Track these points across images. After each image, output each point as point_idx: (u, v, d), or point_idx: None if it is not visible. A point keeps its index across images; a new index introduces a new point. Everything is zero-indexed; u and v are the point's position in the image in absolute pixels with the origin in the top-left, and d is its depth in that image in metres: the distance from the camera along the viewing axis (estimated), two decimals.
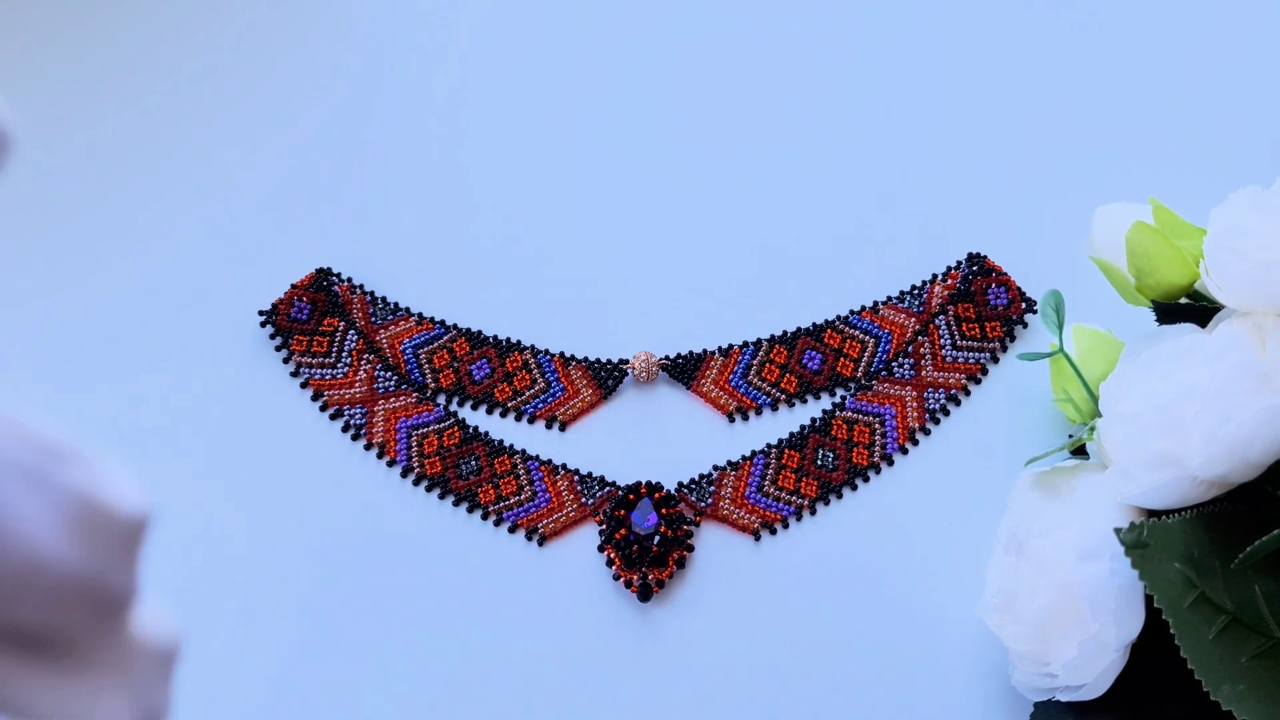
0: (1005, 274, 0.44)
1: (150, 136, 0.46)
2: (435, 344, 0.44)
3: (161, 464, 0.41)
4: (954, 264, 0.44)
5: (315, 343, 0.43)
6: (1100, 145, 0.46)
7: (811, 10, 0.49)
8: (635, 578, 0.40)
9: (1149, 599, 0.31)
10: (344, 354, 0.43)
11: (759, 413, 0.43)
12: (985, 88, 0.47)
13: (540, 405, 0.43)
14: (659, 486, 0.41)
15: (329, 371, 0.43)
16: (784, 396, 0.43)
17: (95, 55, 0.47)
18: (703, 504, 0.41)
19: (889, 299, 0.44)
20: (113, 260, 0.44)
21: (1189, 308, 0.36)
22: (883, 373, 0.43)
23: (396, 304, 0.44)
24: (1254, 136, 0.46)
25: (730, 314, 0.44)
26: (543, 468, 0.42)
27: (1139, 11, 0.48)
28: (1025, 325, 0.44)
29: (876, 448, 0.42)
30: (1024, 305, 0.44)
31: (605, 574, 0.40)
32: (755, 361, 0.44)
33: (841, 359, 0.44)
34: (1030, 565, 0.34)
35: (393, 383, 0.43)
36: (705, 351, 0.44)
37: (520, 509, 0.42)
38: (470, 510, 0.42)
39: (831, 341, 0.44)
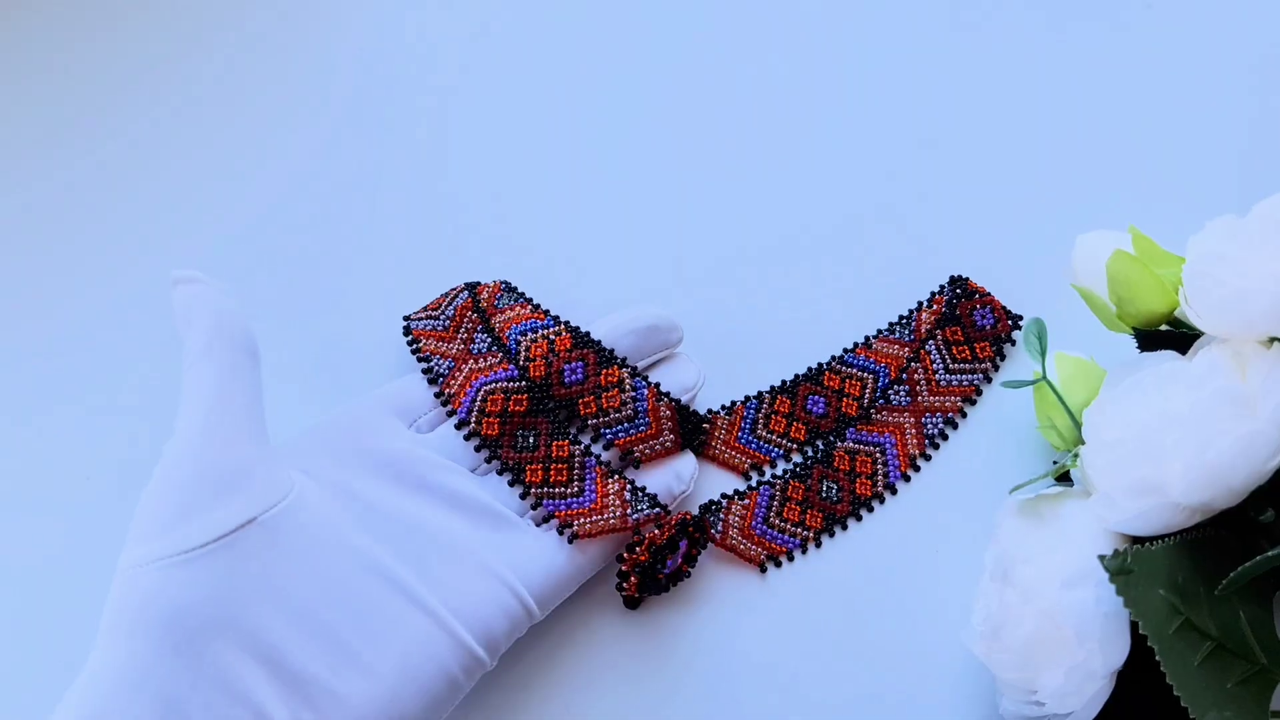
0: (989, 294, 0.44)
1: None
2: (538, 332, 0.41)
3: None
4: (937, 289, 0.45)
5: (434, 304, 0.43)
6: (1080, 175, 0.46)
7: (791, 45, 0.50)
8: (634, 591, 0.39)
9: (1134, 626, 0.31)
10: (451, 308, 0.42)
11: (773, 465, 0.43)
12: (965, 119, 0.48)
13: (621, 433, 0.41)
14: (696, 521, 0.40)
15: (433, 323, 0.42)
16: (795, 445, 0.43)
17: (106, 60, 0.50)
18: (715, 531, 0.41)
19: (879, 331, 0.44)
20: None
21: (1169, 335, 0.36)
22: (880, 401, 0.43)
23: (528, 296, 0.43)
24: (1230, 166, 0.46)
25: (725, 362, 0.44)
26: (598, 467, 0.40)
27: (1118, 43, 0.49)
28: (1013, 343, 0.44)
29: (879, 477, 0.42)
30: (1010, 323, 0.44)
31: (607, 605, 0.40)
32: (760, 415, 0.43)
33: (844, 399, 0.43)
34: (1016, 592, 0.34)
35: (487, 344, 0.41)
36: (709, 412, 0.43)
37: (562, 501, 0.39)
38: (511, 484, 0.39)
39: (831, 383, 0.44)
